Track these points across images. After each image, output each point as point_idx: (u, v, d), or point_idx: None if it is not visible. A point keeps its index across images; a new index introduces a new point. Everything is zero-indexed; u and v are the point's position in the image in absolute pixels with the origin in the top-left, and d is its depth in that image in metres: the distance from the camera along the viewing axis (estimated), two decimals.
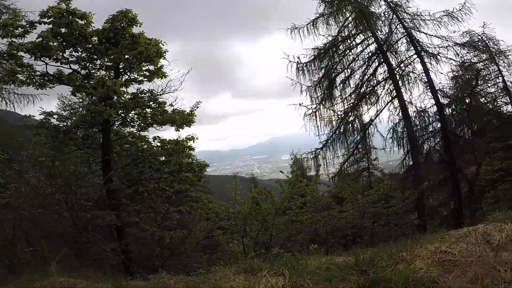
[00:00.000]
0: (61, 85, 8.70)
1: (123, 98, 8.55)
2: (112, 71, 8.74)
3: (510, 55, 12.55)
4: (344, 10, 11.85)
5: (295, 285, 3.25)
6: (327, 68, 12.14)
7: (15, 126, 10.20)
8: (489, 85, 14.00)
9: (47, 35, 7.65)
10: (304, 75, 12.11)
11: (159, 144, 9.32)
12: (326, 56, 12.04)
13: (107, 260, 6.25)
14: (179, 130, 9.30)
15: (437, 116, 12.67)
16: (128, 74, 9.27)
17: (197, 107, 9.62)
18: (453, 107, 13.43)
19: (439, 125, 12.75)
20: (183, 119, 9.08)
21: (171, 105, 9.41)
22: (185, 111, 9.42)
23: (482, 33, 11.94)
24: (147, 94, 9.24)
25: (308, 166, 13.70)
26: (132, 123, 9.37)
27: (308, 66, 12.06)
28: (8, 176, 6.65)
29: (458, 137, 13.52)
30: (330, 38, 12.08)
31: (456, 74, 13.34)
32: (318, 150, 12.28)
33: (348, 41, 12.11)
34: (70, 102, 10.29)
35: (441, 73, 12.30)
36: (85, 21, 8.26)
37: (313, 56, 12.09)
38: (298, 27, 12.18)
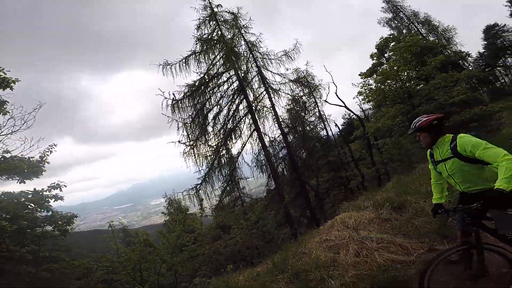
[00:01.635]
0: None
1: None
2: None
3: (321, 88, 16.87)
4: (214, 49, 12.93)
5: None
6: (200, 105, 12.70)
7: None
8: (311, 114, 18.40)
9: None
10: (180, 112, 12.24)
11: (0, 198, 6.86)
12: (198, 93, 12.61)
13: None
14: (24, 182, 7.27)
15: (283, 144, 15.62)
16: None
17: (51, 151, 7.82)
18: (293, 134, 16.98)
19: (285, 151, 15.74)
20: (32, 168, 7.22)
21: (7, 151, 7.26)
22: (32, 158, 7.49)
23: (305, 70, 15.37)
24: None
25: (186, 205, 13.50)
26: None
27: (182, 103, 12.30)
28: None
29: (299, 159, 17.13)
30: (201, 76, 12.78)
31: (290, 107, 16.91)
32: (199, 185, 12.45)
33: (216, 79, 13.12)
34: None
35: (282, 107, 15.06)
36: None
37: (186, 93, 12.42)
38: (171, 63, 12.43)
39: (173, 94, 12.28)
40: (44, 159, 7.73)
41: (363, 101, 18.51)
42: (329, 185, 19.07)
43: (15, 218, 7.07)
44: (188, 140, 12.57)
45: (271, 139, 15.02)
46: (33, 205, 7.46)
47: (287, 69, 14.53)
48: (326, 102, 18.37)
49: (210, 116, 13.24)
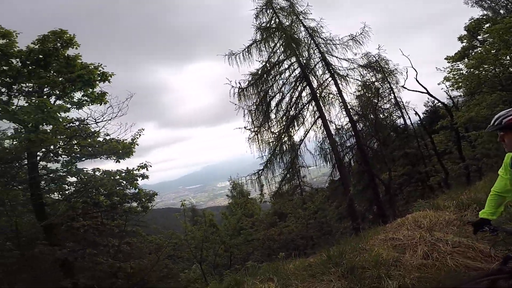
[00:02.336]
0: None
1: (62, 127, 7.40)
2: (33, 98, 7.40)
3: (397, 73, 15.39)
4: (273, 37, 13.02)
5: (284, 286, 3.42)
6: (263, 92, 12.97)
7: None
8: (385, 101, 16.80)
9: None
10: (245, 100, 12.76)
11: (101, 175, 8.22)
12: (261, 81, 12.90)
13: None
14: (119, 162, 8.45)
15: (352, 132, 14.62)
16: (53, 100, 7.95)
17: (140, 135, 8.86)
18: (363, 122, 15.75)
19: (353, 140, 14.73)
20: (125, 149, 8.31)
21: (108, 134, 8.55)
22: (126, 140, 8.62)
23: (377, 55, 14.19)
24: (77, 123, 8.19)
25: (247, 189, 13.92)
26: (56, 157, 8.08)
27: (247, 90, 12.76)
28: None
29: (370, 149, 15.80)
30: (263, 64, 13.01)
31: (359, 93, 15.70)
32: (261, 171, 12.70)
33: (277, 66, 13.18)
34: None
35: (350, 93, 14.25)
36: (8, 40, 7.18)
37: (250, 81, 12.83)
38: (235, 53, 12.89)
39: (239, 83, 12.77)
40: (134, 141, 8.83)
41: (451, 88, 16.15)
42: (403, 180, 17.16)
43: (110, 194, 8.33)
44: (253, 127, 12.97)
45: (338, 127, 14.36)
46: (125, 183, 8.63)
47: (355, 54, 13.69)
48: (404, 88, 16.36)
49: (273, 103, 13.35)
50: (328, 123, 13.51)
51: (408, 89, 17.70)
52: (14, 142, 7.12)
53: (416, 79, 17.72)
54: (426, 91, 17.63)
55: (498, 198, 2.43)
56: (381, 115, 16.22)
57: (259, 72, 12.92)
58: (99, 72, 8.07)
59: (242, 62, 12.93)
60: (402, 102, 16.81)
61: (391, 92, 16.16)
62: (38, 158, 7.73)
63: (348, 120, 13.89)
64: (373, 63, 14.19)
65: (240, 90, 12.72)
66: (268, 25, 13.26)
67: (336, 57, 13.54)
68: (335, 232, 9.80)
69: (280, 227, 9.21)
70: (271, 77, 13.16)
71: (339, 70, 13.58)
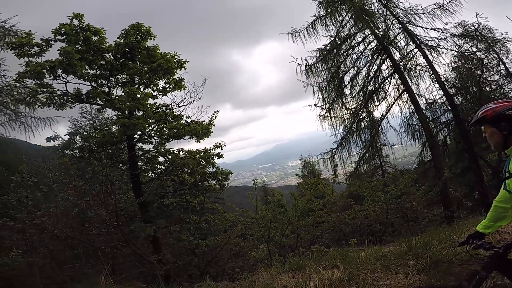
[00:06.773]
0: (81, 104, 8.76)
1: (150, 112, 8.52)
2: (127, 88, 8.53)
3: (506, 42, 12.59)
4: (340, 10, 11.98)
5: (351, 275, 3.19)
6: (334, 68, 12.16)
7: (31, 151, 10.41)
8: (492, 73, 14.00)
9: (71, 51, 7.31)
10: (314, 76, 12.17)
11: (185, 155, 9.27)
12: (331, 56, 12.09)
13: (152, 272, 6.25)
14: (199, 142, 9.28)
15: (447, 107, 12.62)
16: (142, 88, 9.13)
17: (216, 116, 9.56)
18: (463, 96, 13.42)
19: (450, 115, 12.70)
20: (204, 129, 9.07)
21: (189, 117, 9.43)
22: (204, 122, 9.37)
23: (477, 23, 11.87)
24: (163, 108, 9.25)
25: (319, 169, 13.55)
26: (149, 139, 9.33)
27: (315, 67, 12.12)
28: (37, 198, 6.74)
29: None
30: (332, 39, 12.16)
31: (457, 65, 13.41)
32: (334, 150, 12.08)
33: (349, 40, 12.14)
34: (81, 124, 10.59)
35: (444, 64, 12.27)
36: (99, 37, 8.26)
37: (318, 58, 12.16)
38: (298, 30, 12.30)
39: (306, 60, 12.18)
40: (211, 122, 9.58)
41: None
42: None
43: (193, 173, 9.28)
44: (324, 104, 12.31)
45: (429, 101, 12.58)
46: (204, 162, 9.48)
47: (446, 24, 11.69)
48: None
49: (347, 78, 12.39)
50: (416, 96, 11.96)
51: None
52: (117, 128, 8.53)
53: None
54: None
55: (499, 209, 2.22)
56: (487, 88, 13.72)
57: (328, 48, 12.10)
58: (175, 60, 8.85)
59: (307, 39, 12.27)
60: None
61: (501, 63, 13.36)
62: (135, 140, 9.05)
63: (442, 93, 12.11)
64: (471, 32, 11.93)
65: (307, 67, 12.12)
66: None
67: (421, 27, 11.81)
68: (422, 220, 8.69)
69: (355, 210, 8.64)
70: (342, 51, 12.22)
71: (427, 40, 11.83)
